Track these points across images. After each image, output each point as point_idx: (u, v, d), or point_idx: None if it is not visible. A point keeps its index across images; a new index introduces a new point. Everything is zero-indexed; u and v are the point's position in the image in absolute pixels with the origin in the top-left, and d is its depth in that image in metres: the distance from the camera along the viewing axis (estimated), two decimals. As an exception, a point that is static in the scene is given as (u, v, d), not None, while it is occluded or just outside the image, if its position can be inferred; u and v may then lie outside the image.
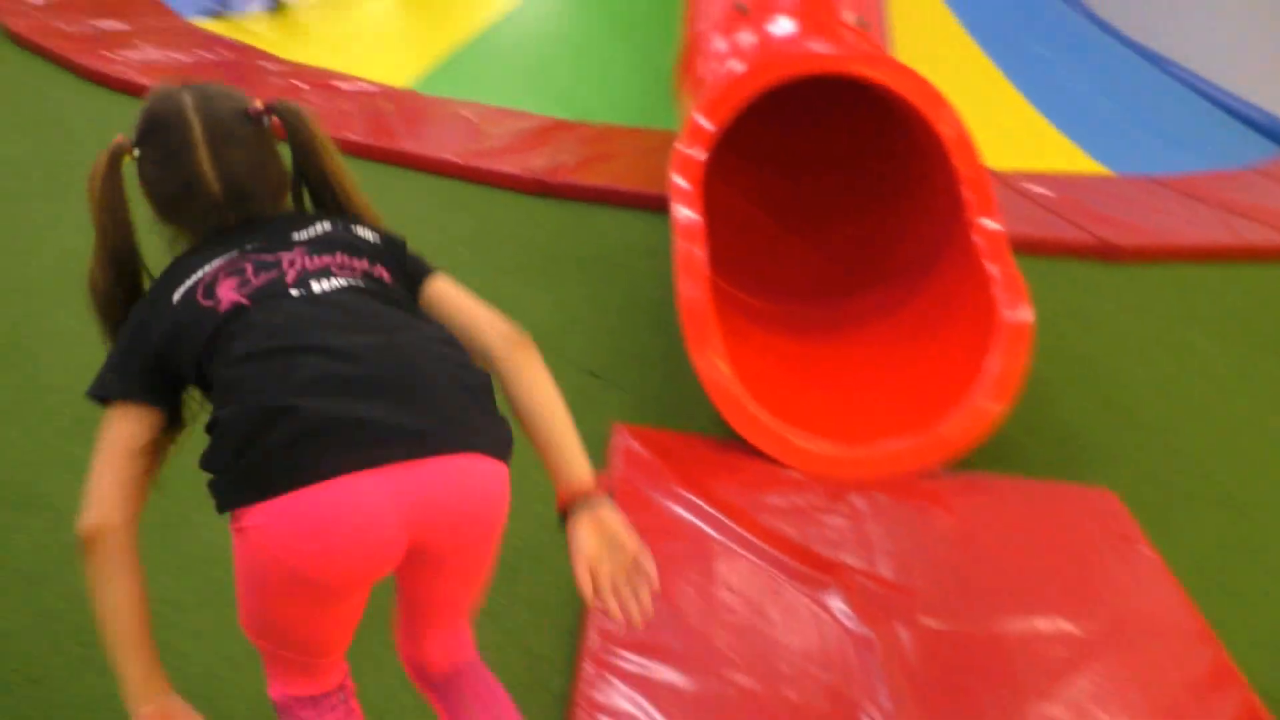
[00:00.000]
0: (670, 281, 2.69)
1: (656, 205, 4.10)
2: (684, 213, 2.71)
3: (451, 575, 1.19)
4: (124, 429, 1.11)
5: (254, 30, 6.22)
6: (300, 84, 5.27)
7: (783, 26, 3.65)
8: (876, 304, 3.06)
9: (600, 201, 4.27)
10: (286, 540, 1.00)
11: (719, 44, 3.75)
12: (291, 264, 1.16)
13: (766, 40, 3.57)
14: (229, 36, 6.10)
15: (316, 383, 1.03)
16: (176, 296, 1.16)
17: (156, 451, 1.14)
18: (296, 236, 1.22)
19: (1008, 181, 4.83)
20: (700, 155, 2.82)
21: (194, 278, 1.17)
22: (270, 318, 1.10)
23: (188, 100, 1.23)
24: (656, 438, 2.55)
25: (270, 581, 1.05)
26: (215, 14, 6.45)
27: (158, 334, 1.15)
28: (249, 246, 1.19)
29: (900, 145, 3.38)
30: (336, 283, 1.16)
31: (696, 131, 2.91)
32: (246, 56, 5.72)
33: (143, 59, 5.42)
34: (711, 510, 2.29)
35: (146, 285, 1.25)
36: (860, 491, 2.40)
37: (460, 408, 1.09)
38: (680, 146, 2.90)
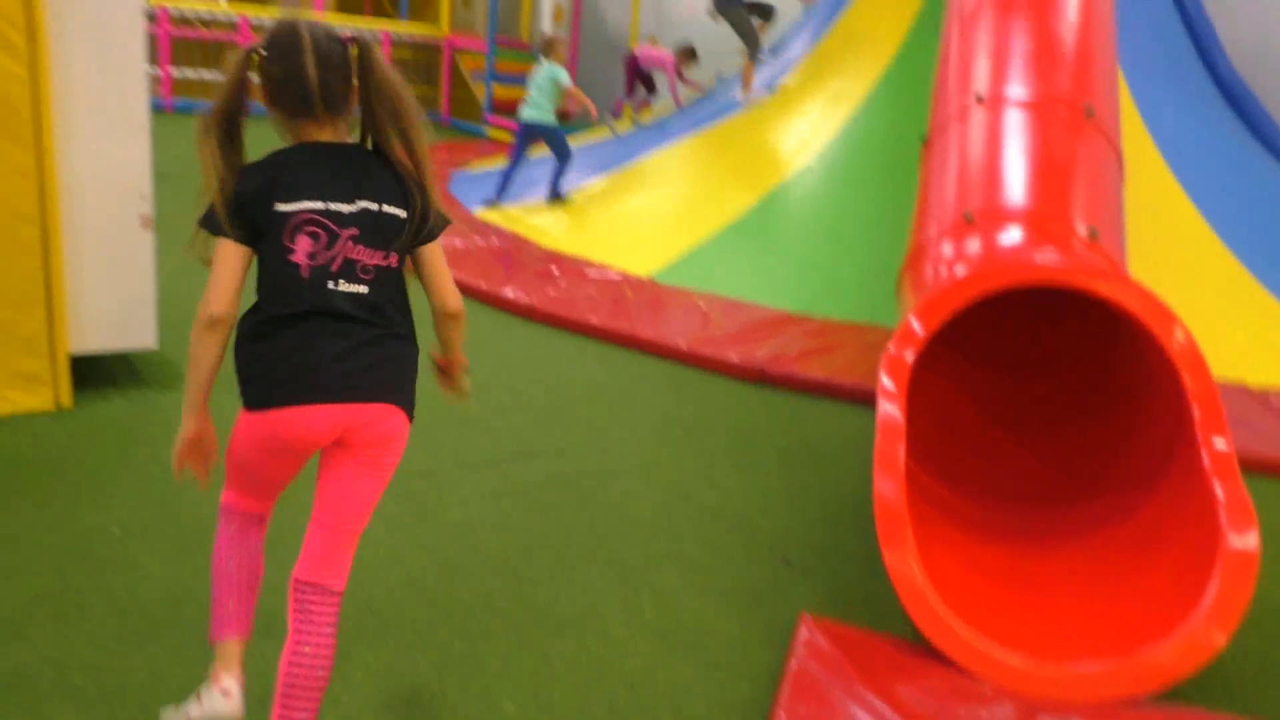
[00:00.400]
0: (870, 478, 2.71)
1: (871, 400, 4.17)
2: (887, 410, 2.76)
3: (355, 466, 1.80)
4: (232, 255, 1.71)
5: (523, 220, 6.97)
6: (554, 269, 5.82)
7: (1011, 235, 3.71)
8: (1089, 515, 2.92)
9: (817, 394, 4.38)
10: (271, 426, 1.73)
11: (946, 249, 3.84)
12: (343, 247, 1.73)
13: (991, 248, 3.63)
14: (503, 226, 6.87)
15: (313, 367, 1.72)
16: (277, 208, 1.70)
17: (244, 274, 1.74)
18: (356, 203, 1.75)
19: (1261, 397, 4.52)
20: (909, 357, 2.89)
21: (292, 206, 1.70)
22: (310, 301, 1.71)
23: (301, 23, 1.74)
24: (843, 633, 2.53)
25: (253, 439, 1.78)
26: (491, 204, 7.30)
27: (257, 215, 1.70)
28: (330, 198, 1.73)
29: (1125, 355, 3.29)
30: (353, 289, 1.74)
31: (908, 334, 2.98)
32: (514, 243, 6.40)
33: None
34: (892, 715, 2.23)
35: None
36: (1055, 713, 2.25)
37: (384, 383, 1.79)
38: (891, 347, 2.98)
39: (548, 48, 7.51)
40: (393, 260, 1.78)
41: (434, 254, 1.87)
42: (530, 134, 7.36)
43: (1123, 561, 2.66)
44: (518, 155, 7.43)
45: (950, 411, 3.75)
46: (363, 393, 1.75)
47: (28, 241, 3.18)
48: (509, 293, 5.25)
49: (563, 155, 7.22)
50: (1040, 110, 4.17)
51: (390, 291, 1.79)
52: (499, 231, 6.71)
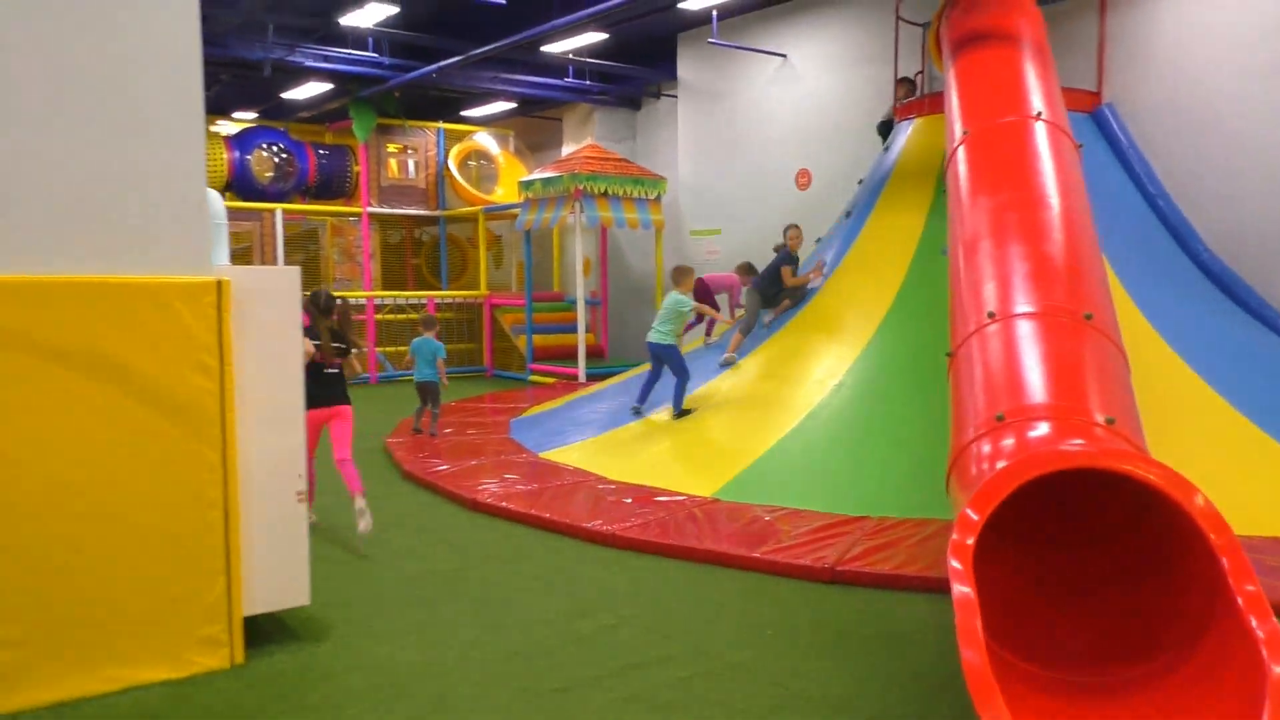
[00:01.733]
0: (950, 654, 3.14)
1: (937, 587, 4.60)
2: (960, 590, 3.22)
3: (337, 427, 5.72)
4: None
5: (587, 458, 7.58)
6: (626, 498, 6.36)
7: (1040, 430, 4.26)
8: (1150, 667, 3.30)
9: (887, 586, 4.81)
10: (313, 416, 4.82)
11: (985, 447, 4.38)
12: (330, 359, 5.64)
13: (1025, 442, 4.18)
14: (570, 464, 7.48)
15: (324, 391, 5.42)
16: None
17: None
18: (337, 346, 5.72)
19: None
20: (970, 541, 3.37)
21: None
22: (322, 372, 5.60)
23: (322, 289, 5.54)
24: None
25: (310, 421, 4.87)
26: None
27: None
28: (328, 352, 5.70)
29: (1158, 521, 3.76)
30: (333, 371, 5.70)
31: (967, 522, 3.48)
32: (585, 479, 6.98)
33: (503, 489, 6.76)
34: None
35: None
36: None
37: (343, 394, 5.73)
38: (954, 535, 3.47)
39: (677, 277, 8.41)
40: (339, 362, 5.69)
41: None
42: (656, 354, 8.18)
43: (1184, 703, 3.03)
44: (655, 371, 8.28)
45: (1009, 587, 4.17)
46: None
47: (212, 523, 3.79)
48: (592, 524, 5.77)
49: (681, 375, 7.99)
50: (1046, 320, 4.82)
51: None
52: (570, 470, 7.31)
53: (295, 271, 4.08)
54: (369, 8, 11.41)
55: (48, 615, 3.50)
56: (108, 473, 3.58)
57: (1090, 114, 9.09)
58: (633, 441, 7.82)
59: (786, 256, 9.00)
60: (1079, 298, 4.95)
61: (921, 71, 10.50)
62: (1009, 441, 4.25)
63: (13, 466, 3.41)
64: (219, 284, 3.73)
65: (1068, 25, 9.52)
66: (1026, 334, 4.81)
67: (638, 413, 8.23)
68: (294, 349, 4.05)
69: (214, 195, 3.98)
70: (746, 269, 10.66)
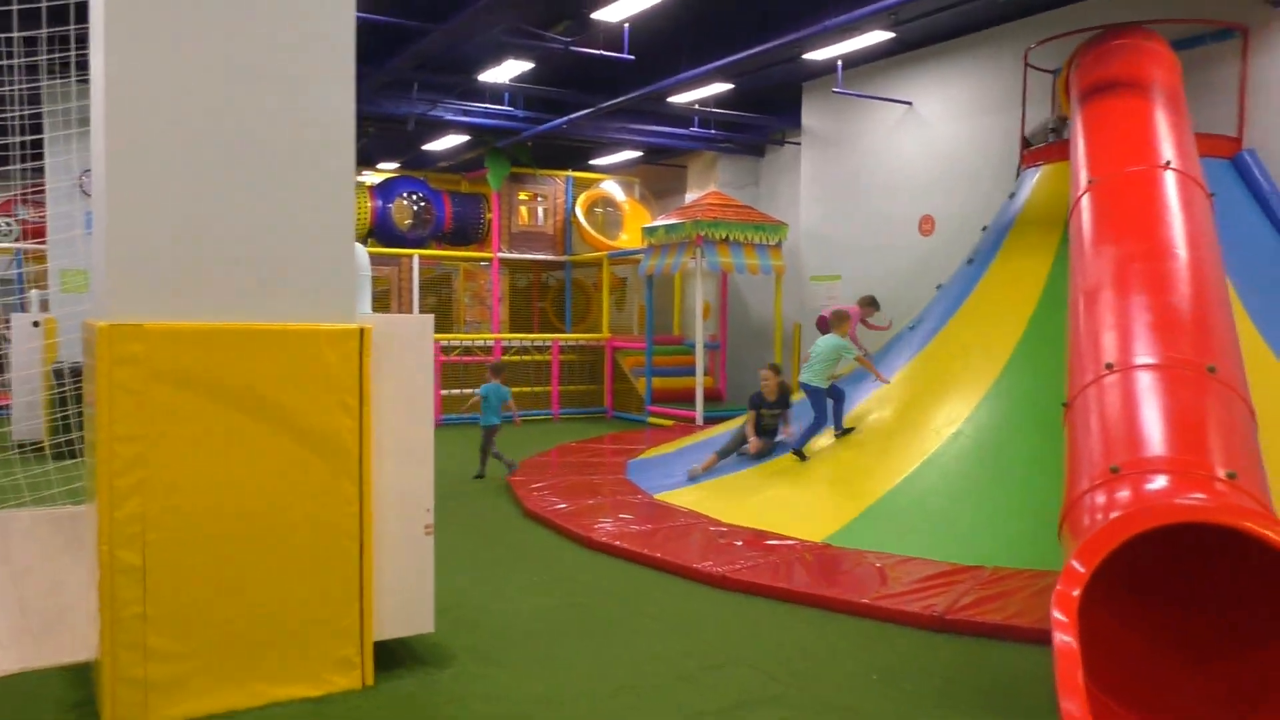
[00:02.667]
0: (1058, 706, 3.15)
1: (1049, 639, 4.54)
2: (1061, 639, 3.23)
3: None
4: None
5: (701, 500, 7.73)
6: (737, 541, 6.47)
7: (1157, 483, 4.20)
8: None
9: (998, 637, 4.77)
10: None
11: (1099, 499, 4.34)
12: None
13: (1140, 494, 4.12)
14: (684, 506, 7.63)
15: None
16: None
17: None
18: None
19: None
20: (1075, 592, 3.38)
21: None
22: None
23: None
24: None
25: None
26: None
27: None
28: None
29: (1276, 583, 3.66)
30: None
31: (1073, 574, 3.48)
32: (699, 520, 7.12)
33: (618, 529, 6.96)
34: None
35: None
36: None
37: None
38: (1059, 585, 3.48)
39: (837, 321, 8.53)
40: None
41: None
42: (816, 393, 8.20)
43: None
44: (820, 409, 8.21)
45: (1125, 640, 4.10)
46: None
47: (349, 553, 4.10)
48: (703, 565, 5.90)
49: (820, 416, 8.12)
50: (1166, 372, 4.74)
51: None
52: (684, 512, 7.47)
53: (429, 320, 4.41)
54: (506, 64, 12.01)
55: (212, 632, 3.85)
56: (267, 502, 3.93)
57: (1230, 160, 8.80)
58: (745, 485, 7.93)
59: (760, 399, 8.67)
60: (1203, 350, 4.85)
61: (1058, 122, 10.37)
62: (1124, 493, 4.20)
63: (190, 493, 3.79)
64: (361, 331, 4.08)
65: (1207, 70, 9.27)
66: (1146, 385, 4.74)
67: (802, 457, 8.09)
68: (425, 390, 4.36)
69: (360, 249, 4.38)
70: (869, 301, 10.63)
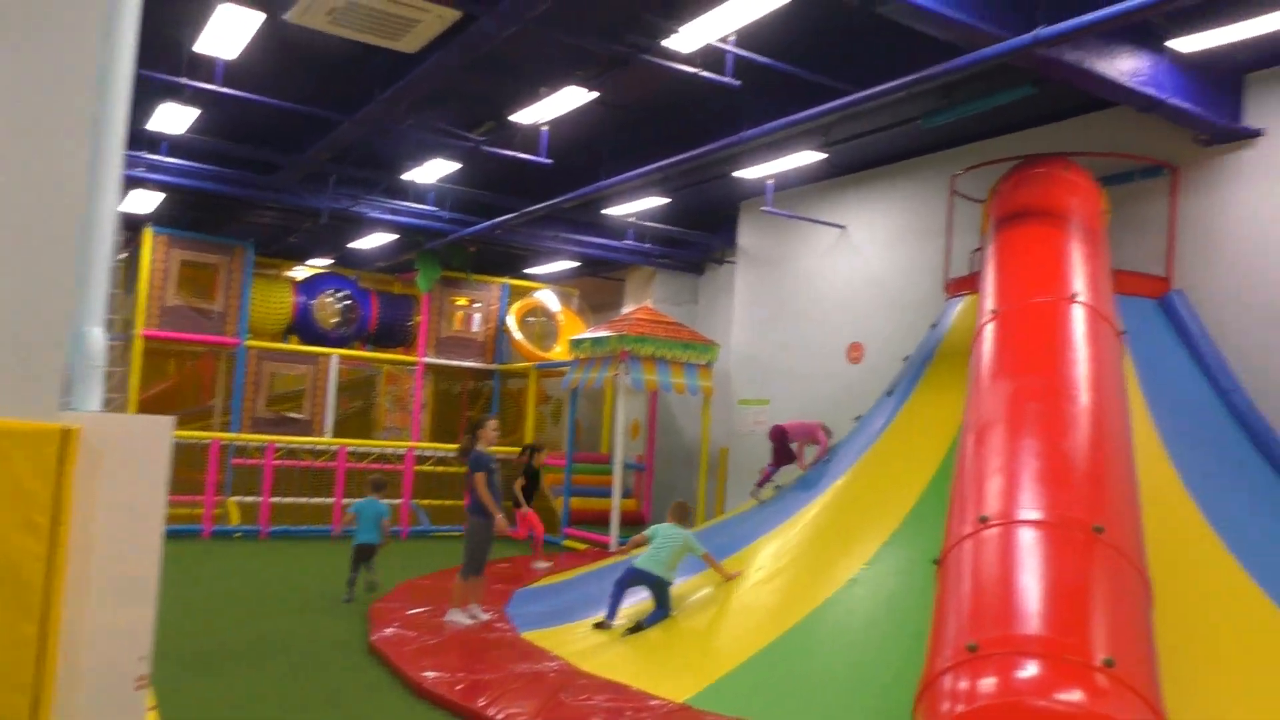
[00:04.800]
0: None
1: None
2: None
3: None
4: None
5: (569, 642, 6.88)
6: (586, 696, 5.61)
7: (1025, 671, 3.50)
8: None
9: None
10: None
11: (961, 683, 3.62)
12: None
13: (1004, 686, 3.42)
14: (548, 649, 6.76)
15: None
16: None
17: None
18: None
19: None
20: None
21: None
22: None
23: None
24: None
25: None
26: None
27: None
28: None
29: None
30: None
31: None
32: (557, 668, 6.23)
33: (458, 675, 6.09)
34: None
35: None
36: None
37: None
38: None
39: (680, 513, 7.50)
40: None
41: None
42: (641, 580, 7.15)
43: None
44: (622, 590, 7.19)
45: None
46: None
47: (17, 710, 3.27)
48: (534, 729, 5.06)
49: (664, 609, 7.06)
50: (1050, 531, 4.09)
51: None
52: (541, 654, 6.61)
53: (167, 422, 3.68)
54: (430, 164, 11.61)
55: None
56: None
57: (1158, 300, 8.37)
58: (620, 631, 7.08)
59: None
60: (1093, 506, 4.21)
61: (979, 249, 9.98)
62: (987, 681, 3.49)
63: None
64: (64, 432, 3.34)
65: (1138, 207, 8.93)
66: (1026, 545, 4.08)
67: (605, 628, 7.07)
68: (154, 509, 3.60)
69: (95, 335, 3.66)
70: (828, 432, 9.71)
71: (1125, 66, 7.37)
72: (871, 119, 9.95)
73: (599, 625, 7.10)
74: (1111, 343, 5.70)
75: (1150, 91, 7.48)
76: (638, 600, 7.26)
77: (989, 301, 6.29)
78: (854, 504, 7.50)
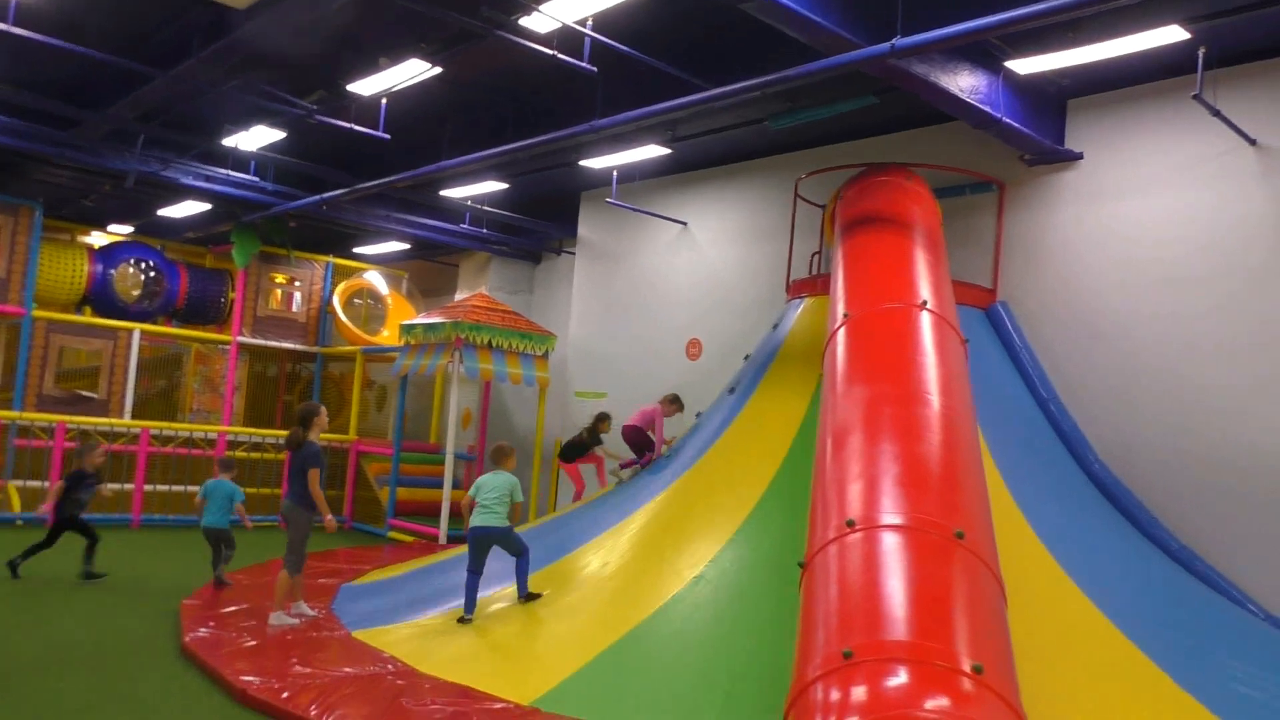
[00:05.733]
0: None
1: None
2: None
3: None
4: None
5: (403, 641, 6.51)
6: (425, 701, 5.30)
7: (896, 679, 3.49)
8: None
9: None
10: None
11: (832, 693, 3.57)
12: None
13: (875, 697, 3.40)
14: (382, 649, 6.38)
15: None
16: None
17: None
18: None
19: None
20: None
21: None
22: None
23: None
24: None
25: None
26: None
27: None
28: None
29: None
30: None
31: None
32: (391, 670, 5.87)
33: (285, 679, 5.66)
34: None
35: None
36: None
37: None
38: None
39: (498, 456, 7.38)
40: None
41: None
42: (485, 541, 7.00)
43: None
44: (478, 566, 7.01)
45: None
46: None
47: None
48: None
49: (524, 553, 7.00)
50: (913, 535, 4.13)
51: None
52: (376, 655, 6.23)
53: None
54: (254, 130, 10.82)
55: None
56: None
57: (984, 310, 8.78)
58: (460, 627, 6.78)
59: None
60: (951, 510, 4.29)
61: (819, 252, 10.22)
62: (859, 690, 3.46)
63: None
64: None
65: (968, 220, 9.34)
66: (890, 549, 4.10)
67: (466, 621, 6.82)
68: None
69: None
70: (673, 399, 9.73)
71: (965, 83, 7.66)
72: (720, 117, 10.00)
73: (462, 620, 6.81)
74: (957, 350, 5.89)
75: (986, 109, 7.80)
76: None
77: (840, 306, 6.38)
78: (699, 500, 7.48)
